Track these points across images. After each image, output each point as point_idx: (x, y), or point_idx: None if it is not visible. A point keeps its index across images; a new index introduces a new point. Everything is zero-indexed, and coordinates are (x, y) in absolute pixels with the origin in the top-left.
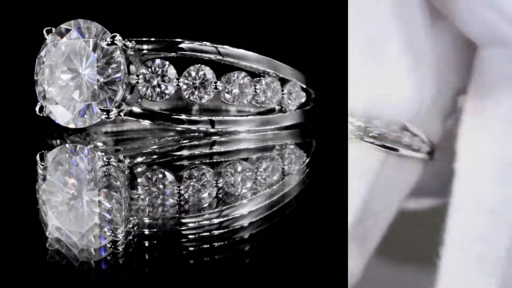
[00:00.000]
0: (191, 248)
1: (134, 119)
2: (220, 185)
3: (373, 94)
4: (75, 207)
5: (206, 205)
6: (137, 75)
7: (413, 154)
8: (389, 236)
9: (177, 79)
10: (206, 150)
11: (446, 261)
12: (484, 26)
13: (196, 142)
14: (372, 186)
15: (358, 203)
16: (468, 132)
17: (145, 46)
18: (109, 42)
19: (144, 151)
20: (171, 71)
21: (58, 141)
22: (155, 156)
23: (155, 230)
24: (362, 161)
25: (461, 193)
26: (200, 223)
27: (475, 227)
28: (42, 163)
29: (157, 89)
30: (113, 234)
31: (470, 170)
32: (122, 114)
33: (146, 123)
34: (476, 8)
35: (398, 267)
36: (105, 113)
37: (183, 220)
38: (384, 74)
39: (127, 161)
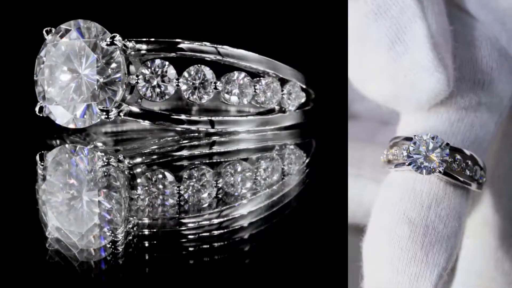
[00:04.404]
0: (191, 248)
1: (134, 119)
2: (220, 185)
3: (398, 83)
4: (75, 207)
5: (206, 205)
6: (137, 75)
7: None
8: None
9: (177, 79)
10: (206, 150)
11: None
12: None
13: (196, 142)
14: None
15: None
16: None
17: (144, 46)
18: (109, 42)
19: (144, 151)
20: (171, 71)
21: (58, 142)
22: (155, 157)
23: (155, 230)
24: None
25: None
26: (200, 223)
27: None
28: (42, 163)
29: (157, 89)
30: (113, 234)
31: None
32: (122, 114)
33: (146, 123)
34: None
35: None
36: (104, 113)
37: (183, 220)
38: (410, 64)
39: (127, 161)
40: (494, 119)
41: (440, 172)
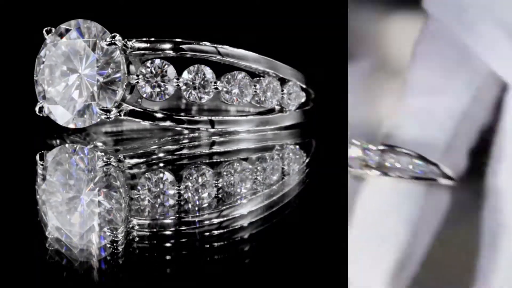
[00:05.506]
0: (191, 248)
1: (134, 119)
2: (220, 185)
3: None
4: (75, 207)
5: (206, 205)
6: (137, 75)
7: (444, 182)
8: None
9: (177, 79)
10: (206, 150)
11: None
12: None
13: (196, 142)
14: (415, 227)
15: (401, 248)
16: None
17: (145, 46)
18: (109, 42)
19: (144, 151)
20: (171, 71)
21: (58, 141)
22: (155, 156)
23: (155, 230)
24: (394, 201)
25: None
26: (200, 223)
27: None
28: (42, 163)
29: (157, 89)
30: (113, 234)
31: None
32: (122, 114)
33: (146, 123)
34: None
35: None
36: (105, 113)
37: (183, 220)
38: None
39: (127, 161)
40: (453, 120)
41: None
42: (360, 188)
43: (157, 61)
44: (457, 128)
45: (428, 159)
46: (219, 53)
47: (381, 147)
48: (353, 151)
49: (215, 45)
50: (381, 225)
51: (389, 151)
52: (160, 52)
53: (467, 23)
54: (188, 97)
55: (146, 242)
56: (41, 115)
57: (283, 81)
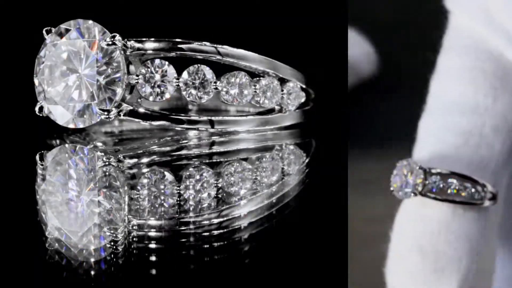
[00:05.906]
0: (191, 248)
1: (134, 119)
2: (219, 185)
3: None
4: (74, 207)
5: (205, 205)
6: (137, 75)
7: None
8: None
9: (177, 79)
10: (206, 150)
11: None
12: None
13: (196, 142)
14: (473, 252)
15: (462, 273)
16: None
17: (144, 46)
18: (109, 42)
19: (143, 151)
20: (171, 71)
21: (58, 141)
22: (154, 156)
23: (154, 230)
24: (453, 226)
25: None
26: (200, 223)
27: None
28: (42, 163)
29: (157, 89)
30: (112, 234)
31: None
32: (121, 114)
33: (146, 123)
34: None
35: None
36: (104, 113)
37: (183, 220)
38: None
39: (126, 161)
40: (500, 139)
41: (414, 194)
42: (407, 212)
43: (157, 61)
44: (506, 147)
45: (479, 181)
46: (219, 53)
47: (441, 171)
48: (417, 177)
49: (215, 45)
50: (438, 250)
51: (448, 176)
52: (160, 52)
53: (498, 27)
54: (188, 97)
55: (146, 242)
56: (41, 115)
57: (283, 81)
